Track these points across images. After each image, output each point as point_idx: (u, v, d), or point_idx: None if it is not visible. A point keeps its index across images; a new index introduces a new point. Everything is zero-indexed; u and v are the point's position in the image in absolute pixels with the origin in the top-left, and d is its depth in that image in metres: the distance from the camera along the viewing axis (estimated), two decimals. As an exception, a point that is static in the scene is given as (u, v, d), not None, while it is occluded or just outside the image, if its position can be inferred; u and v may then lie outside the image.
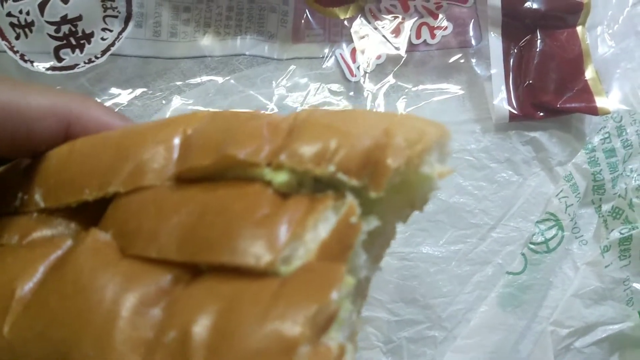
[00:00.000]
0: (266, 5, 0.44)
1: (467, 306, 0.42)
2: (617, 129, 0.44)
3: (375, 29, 0.45)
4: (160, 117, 0.42)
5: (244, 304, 0.17)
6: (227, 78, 0.44)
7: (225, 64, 0.44)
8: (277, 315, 0.16)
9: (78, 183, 0.22)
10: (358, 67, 0.44)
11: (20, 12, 0.40)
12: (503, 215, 0.43)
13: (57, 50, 0.41)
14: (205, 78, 0.44)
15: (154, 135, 0.23)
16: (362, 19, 0.45)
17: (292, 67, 0.44)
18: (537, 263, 0.42)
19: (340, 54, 0.45)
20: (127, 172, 0.22)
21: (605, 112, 0.43)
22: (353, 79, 0.44)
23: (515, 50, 0.44)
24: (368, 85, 0.44)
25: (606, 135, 0.43)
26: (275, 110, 0.43)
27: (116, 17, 0.41)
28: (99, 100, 0.42)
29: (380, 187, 0.19)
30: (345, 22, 0.45)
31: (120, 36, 0.42)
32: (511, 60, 0.44)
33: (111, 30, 0.42)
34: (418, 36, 0.45)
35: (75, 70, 0.41)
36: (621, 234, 0.42)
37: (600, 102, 0.43)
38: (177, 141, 0.22)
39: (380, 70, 0.45)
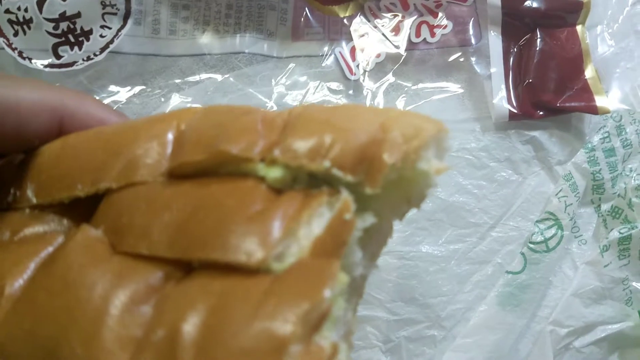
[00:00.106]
0: (265, 3, 0.44)
1: (466, 305, 0.42)
2: (617, 128, 0.44)
3: (375, 27, 0.45)
4: (159, 115, 0.42)
5: (234, 301, 0.17)
6: (226, 76, 0.44)
7: (225, 62, 0.44)
8: (267, 314, 0.16)
9: (70, 179, 0.22)
10: (357, 66, 0.44)
11: (19, 8, 0.40)
12: (502, 214, 0.43)
13: (55, 47, 0.41)
14: (204, 76, 0.44)
15: (148, 131, 0.22)
16: (361, 17, 0.45)
17: (292, 65, 0.44)
18: (537, 262, 0.42)
19: (340, 52, 0.44)
20: (120, 168, 0.21)
21: (605, 112, 0.43)
22: (352, 78, 0.44)
23: (515, 49, 0.44)
24: (367, 84, 0.44)
25: (606, 135, 0.43)
26: (275, 108, 0.43)
27: (115, 14, 0.41)
28: (97, 98, 0.42)
29: (376, 183, 0.18)
30: (345, 21, 0.44)
31: (119, 34, 0.42)
32: (511, 59, 0.44)
33: (110, 28, 0.41)
34: (418, 35, 0.45)
35: (74, 67, 0.41)
36: (620, 233, 0.42)
37: (599, 101, 0.43)
38: (170, 136, 0.22)
39: (379, 68, 0.44)
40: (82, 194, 0.22)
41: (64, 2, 0.40)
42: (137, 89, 0.43)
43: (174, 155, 0.21)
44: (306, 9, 0.44)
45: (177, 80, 0.43)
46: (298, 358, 0.16)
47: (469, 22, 0.45)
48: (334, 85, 0.44)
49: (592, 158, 0.43)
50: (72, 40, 0.41)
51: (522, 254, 0.42)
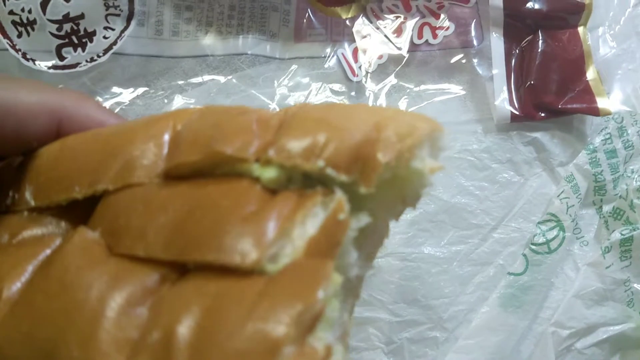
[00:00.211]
0: (268, 4, 0.44)
1: (468, 307, 0.42)
2: (619, 129, 0.44)
3: (377, 28, 0.45)
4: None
5: (228, 303, 0.17)
6: (229, 77, 0.44)
7: (227, 63, 0.44)
8: (261, 315, 0.16)
9: (68, 181, 0.22)
10: (360, 67, 0.44)
11: (22, 10, 0.40)
12: (504, 215, 0.43)
13: (59, 48, 0.41)
14: (207, 77, 0.44)
15: (144, 132, 0.22)
16: (364, 18, 0.45)
17: (294, 66, 0.44)
18: (539, 264, 0.42)
19: (342, 53, 0.44)
20: (116, 169, 0.21)
21: (607, 113, 0.43)
22: (355, 79, 0.44)
23: (517, 51, 0.44)
24: (370, 85, 0.44)
25: (607, 136, 0.43)
26: (277, 109, 0.43)
27: (118, 15, 0.41)
28: (100, 99, 0.42)
29: (370, 182, 0.18)
30: (347, 22, 0.45)
31: (123, 35, 0.42)
32: (513, 61, 0.44)
33: (113, 29, 0.41)
34: (420, 36, 0.45)
35: (77, 69, 0.41)
36: (622, 235, 0.42)
37: (601, 102, 0.43)
38: (166, 137, 0.22)
39: (382, 70, 0.44)
40: (80, 196, 0.22)
41: (68, 3, 0.40)
42: (140, 90, 0.43)
43: (170, 156, 0.21)
44: (309, 10, 0.44)
45: (180, 82, 0.43)
46: (291, 359, 0.16)
47: (471, 23, 0.45)
48: (337, 86, 0.44)
49: (593, 159, 0.43)
50: (76, 41, 0.41)
51: (524, 255, 0.42)
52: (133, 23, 0.42)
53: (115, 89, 0.43)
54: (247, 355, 0.16)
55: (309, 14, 0.44)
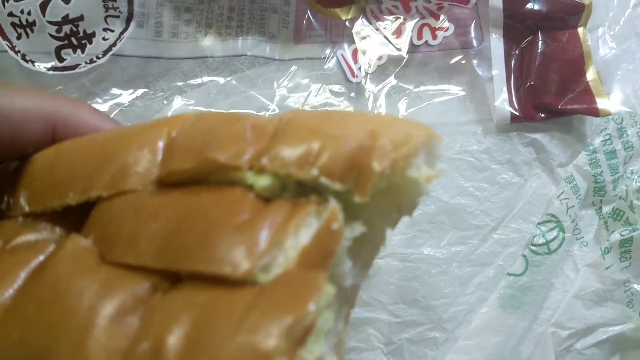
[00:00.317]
0: (267, 5, 0.44)
1: (468, 307, 0.42)
2: (618, 130, 0.44)
3: (377, 29, 0.45)
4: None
5: (219, 314, 0.17)
6: (228, 78, 0.44)
7: (227, 65, 0.44)
8: (251, 327, 0.16)
9: (62, 186, 0.22)
10: (359, 68, 0.44)
11: (22, 11, 0.40)
12: (504, 216, 0.43)
13: (58, 50, 0.41)
14: (206, 78, 0.44)
15: (139, 138, 0.22)
16: (363, 19, 0.45)
17: (294, 67, 0.44)
18: (538, 264, 0.42)
19: (342, 54, 0.44)
20: (110, 176, 0.21)
21: (607, 114, 0.43)
22: (354, 80, 0.44)
23: (517, 52, 0.44)
24: (369, 86, 0.44)
25: (607, 137, 0.43)
26: (277, 110, 0.43)
27: (117, 17, 0.41)
28: (100, 101, 0.42)
29: (365, 191, 0.18)
30: (347, 23, 0.45)
31: (122, 36, 0.42)
32: (512, 62, 0.44)
33: (112, 31, 0.41)
34: (419, 37, 0.45)
35: (77, 70, 0.41)
36: (622, 235, 0.42)
37: (601, 103, 0.43)
38: (161, 144, 0.22)
39: (381, 71, 0.44)
40: (74, 202, 0.22)
41: (67, 5, 0.40)
42: (140, 91, 0.43)
43: (164, 163, 0.21)
44: (308, 11, 0.44)
45: (180, 83, 0.43)
46: None
47: (471, 24, 0.45)
48: (336, 87, 0.44)
49: (593, 160, 0.43)
50: (75, 43, 0.41)
51: (524, 256, 0.42)
52: (132, 24, 0.42)
53: (114, 91, 0.43)
54: None
55: (308, 15, 0.44)
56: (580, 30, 0.44)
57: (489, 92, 0.44)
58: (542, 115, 0.43)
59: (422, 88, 0.45)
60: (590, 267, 0.43)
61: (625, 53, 0.45)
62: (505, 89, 0.44)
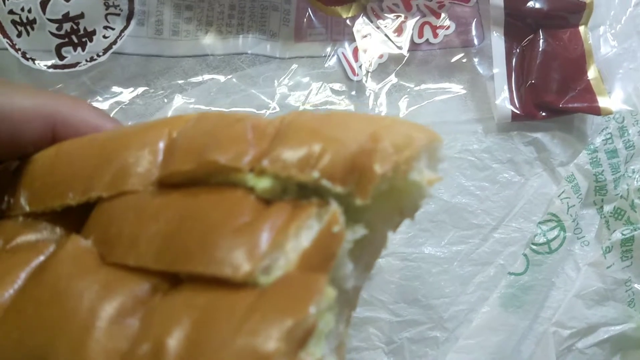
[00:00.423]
0: (268, 4, 0.44)
1: (469, 307, 0.42)
2: (619, 129, 0.43)
3: (378, 28, 0.45)
4: (161, 116, 0.42)
5: (219, 316, 0.17)
6: (229, 77, 0.44)
7: (227, 63, 0.44)
8: (251, 329, 0.16)
9: (63, 187, 0.22)
10: (360, 66, 0.44)
11: (22, 9, 0.40)
12: (505, 215, 0.43)
13: (58, 48, 0.41)
14: (207, 77, 0.44)
15: (140, 138, 0.22)
16: (364, 17, 0.45)
17: (294, 66, 0.44)
18: (539, 264, 0.42)
19: (343, 53, 0.44)
20: (110, 177, 0.21)
21: (608, 113, 0.43)
22: (355, 78, 0.44)
23: (518, 50, 0.44)
24: (370, 85, 0.44)
25: (608, 136, 0.43)
26: (278, 109, 0.43)
27: (118, 15, 0.41)
28: (100, 99, 0.42)
29: (366, 194, 0.18)
30: (348, 21, 0.44)
31: (122, 34, 0.42)
32: (513, 60, 0.44)
33: (113, 29, 0.41)
34: (420, 35, 0.45)
35: (77, 68, 0.41)
36: (623, 235, 0.42)
37: (602, 102, 0.43)
38: (161, 144, 0.22)
39: (382, 69, 0.44)
40: (74, 202, 0.22)
41: (67, 3, 0.40)
42: (140, 89, 0.43)
43: (165, 164, 0.21)
44: (309, 9, 0.44)
45: (180, 81, 0.43)
46: None
47: (472, 22, 0.45)
48: (337, 86, 0.44)
49: (594, 159, 0.43)
50: (76, 41, 0.41)
51: (525, 255, 0.42)
52: (133, 22, 0.42)
53: (115, 89, 0.43)
54: None
55: (309, 14, 0.44)
56: (581, 28, 0.44)
57: (490, 90, 0.44)
58: (543, 113, 0.43)
59: (422, 86, 0.45)
60: (592, 267, 0.43)
61: (627, 52, 0.45)
62: (506, 87, 0.44)
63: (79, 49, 0.41)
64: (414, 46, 0.45)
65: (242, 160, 0.19)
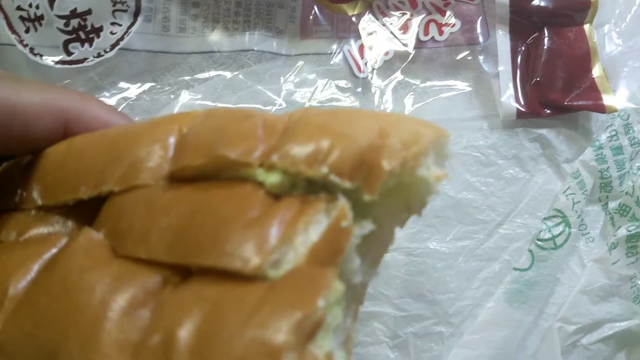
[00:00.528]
0: (274, 1, 0.44)
1: (474, 302, 0.42)
2: (624, 126, 0.44)
3: (383, 25, 0.45)
4: (168, 112, 0.43)
5: (229, 308, 0.17)
6: (235, 73, 0.44)
7: (234, 60, 0.44)
8: (260, 322, 0.16)
9: (74, 181, 0.22)
10: (366, 64, 0.44)
11: (30, 5, 0.40)
12: (510, 211, 0.43)
13: (66, 44, 0.41)
14: (213, 73, 0.44)
15: (150, 134, 0.22)
16: (370, 15, 0.45)
17: (300, 63, 0.45)
18: (544, 259, 0.42)
19: (348, 50, 0.45)
20: (122, 171, 0.21)
21: (612, 111, 0.43)
22: (361, 75, 0.44)
23: (523, 48, 0.45)
24: (376, 82, 0.44)
25: (613, 133, 0.43)
26: (284, 105, 0.43)
27: (125, 11, 0.42)
28: (107, 94, 0.42)
29: (374, 189, 0.18)
30: (353, 19, 0.45)
31: (129, 31, 0.42)
32: (519, 58, 0.44)
33: (120, 25, 0.42)
34: (426, 33, 0.45)
35: (85, 64, 0.41)
36: (628, 231, 0.42)
37: (607, 100, 0.43)
38: (172, 140, 0.22)
39: (387, 66, 0.45)
40: (86, 196, 0.22)
41: (75, -1, 0.40)
42: (147, 85, 0.43)
43: (176, 159, 0.21)
44: (315, 7, 0.44)
45: (187, 78, 0.43)
46: None
47: (477, 20, 0.45)
48: (342, 83, 0.44)
49: (599, 156, 0.43)
50: (83, 37, 0.41)
51: (530, 251, 0.42)
52: (140, 19, 0.42)
53: (122, 84, 0.43)
54: None
55: (315, 11, 0.44)
56: (586, 27, 0.44)
57: (495, 88, 0.44)
58: (548, 111, 0.43)
59: (428, 83, 0.45)
60: (597, 263, 0.43)
61: (632, 50, 0.45)
62: (511, 85, 0.44)
63: (87, 45, 0.41)
64: (419, 44, 0.45)
65: (252, 156, 0.20)
